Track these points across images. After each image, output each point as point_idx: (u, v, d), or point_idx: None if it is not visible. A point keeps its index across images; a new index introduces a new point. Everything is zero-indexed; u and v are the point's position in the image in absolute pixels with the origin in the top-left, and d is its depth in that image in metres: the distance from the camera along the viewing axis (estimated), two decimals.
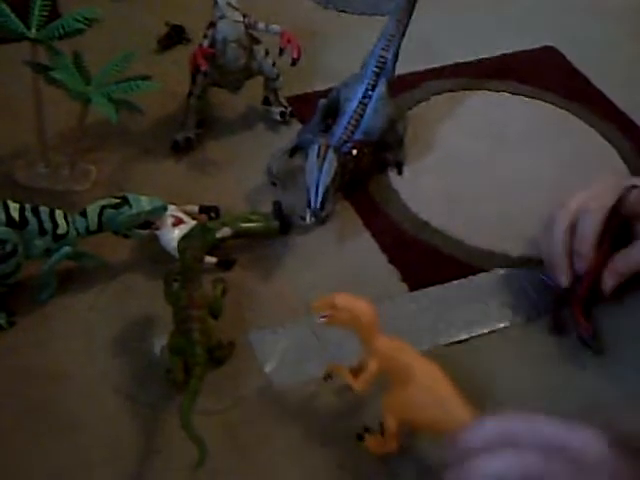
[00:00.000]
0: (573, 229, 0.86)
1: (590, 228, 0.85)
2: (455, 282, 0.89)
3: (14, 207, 0.81)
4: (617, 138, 1.09)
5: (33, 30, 0.90)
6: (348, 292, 0.70)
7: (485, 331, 0.85)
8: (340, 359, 0.77)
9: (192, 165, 1.02)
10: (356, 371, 0.72)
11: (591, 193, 0.88)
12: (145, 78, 0.93)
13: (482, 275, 0.90)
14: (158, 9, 1.27)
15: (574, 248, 0.86)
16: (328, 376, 0.76)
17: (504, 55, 1.24)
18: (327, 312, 0.70)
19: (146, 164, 1.01)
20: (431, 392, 0.69)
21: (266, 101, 1.08)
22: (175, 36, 1.21)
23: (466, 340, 0.84)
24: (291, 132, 1.06)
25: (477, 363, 0.81)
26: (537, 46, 1.26)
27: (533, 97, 1.16)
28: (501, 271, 0.91)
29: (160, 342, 0.80)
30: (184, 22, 1.22)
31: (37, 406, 0.77)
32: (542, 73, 1.20)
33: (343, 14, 1.30)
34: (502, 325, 0.85)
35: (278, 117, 1.08)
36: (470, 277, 0.90)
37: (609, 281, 0.86)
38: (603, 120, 1.12)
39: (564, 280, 0.85)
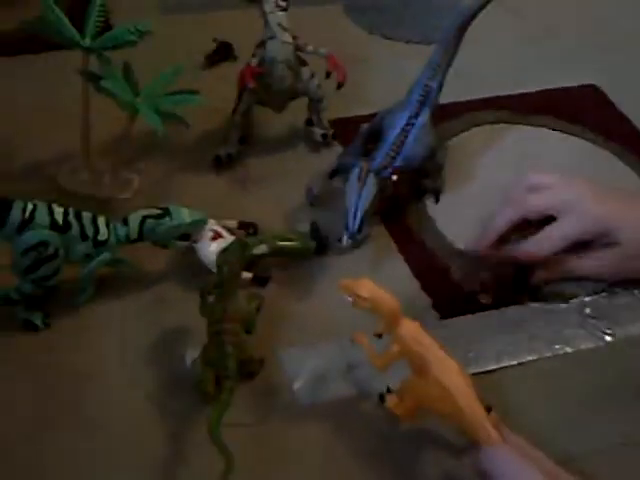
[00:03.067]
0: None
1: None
2: (486, 312, 0.90)
3: (58, 211, 0.82)
4: None
5: (87, 39, 0.92)
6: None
7: (514, 363, 0.85)
8: (369, 380, 0.79)
9: (233, 181, 1.03)
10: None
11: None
12: (193, 92, 0.94)
13: (513, 307, 0.91)
14: (206, 25, 1.29)
15: None
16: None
17: (546, 90, 1.24)
18: (351, 296, 0.72)
19: (187, 177, 1.03)
20: (443, 389, 0.70)
21: (309, 122, 1.10)
22: (222, 53, 1.22)
23: (494, 370, 0.84)
24: (332, 154, 1.07)
25: (504, 394, 0.82)
26: (579, 84, 1.26)
27: (572, 134, 1.16)
28: (532, 304, 0.91)
29: (192, 353, 0.81)
30: (232, 39, 1.24)
31: (67, 404, 0.78)
32: (583, 111, 1.20)
33: (389, 41, 1.32)
34: (531, 358, 0.86)
35: (320, 138, 1.09)
36: (502, 308, 0.90)
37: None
38: None
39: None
